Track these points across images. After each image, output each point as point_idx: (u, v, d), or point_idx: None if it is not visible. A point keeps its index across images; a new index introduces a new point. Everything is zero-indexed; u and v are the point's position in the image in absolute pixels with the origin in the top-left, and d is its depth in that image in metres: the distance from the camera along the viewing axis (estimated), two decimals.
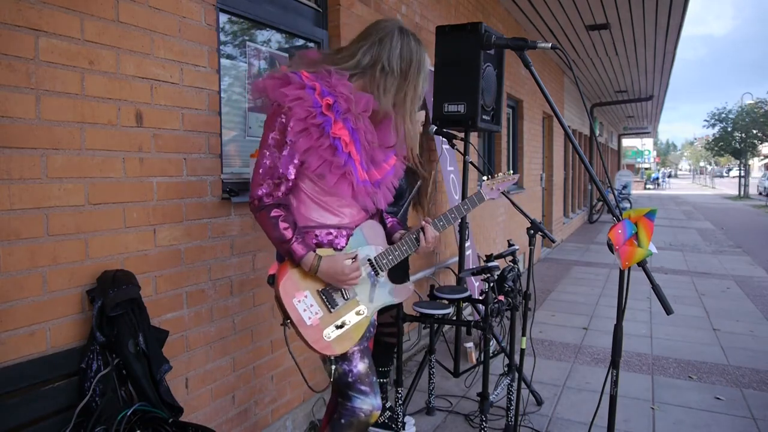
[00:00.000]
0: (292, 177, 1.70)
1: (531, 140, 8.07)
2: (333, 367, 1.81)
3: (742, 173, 28.84)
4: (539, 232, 2.78)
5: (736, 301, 6.12)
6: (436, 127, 3.28)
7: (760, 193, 21.94)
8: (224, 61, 2.50)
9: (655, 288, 1.63)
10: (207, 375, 2.30)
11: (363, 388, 1.81)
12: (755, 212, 19.11)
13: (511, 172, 2.17)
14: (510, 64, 5.30)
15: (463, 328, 3.42)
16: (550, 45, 1.72)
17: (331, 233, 1.79)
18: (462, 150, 3.46)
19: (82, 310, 1.78)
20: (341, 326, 1.76)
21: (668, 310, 1.62)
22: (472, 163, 3.50)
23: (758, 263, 8.58)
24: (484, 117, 3.45)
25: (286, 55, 2.89)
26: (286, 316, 1.72)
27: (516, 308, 2.98)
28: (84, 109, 1.77)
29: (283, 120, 1.65)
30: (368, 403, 1.81)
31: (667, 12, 6.72)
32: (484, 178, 2.13)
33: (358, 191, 1.76)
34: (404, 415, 2.96)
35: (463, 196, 3.69)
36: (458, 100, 3.37)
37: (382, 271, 1.86)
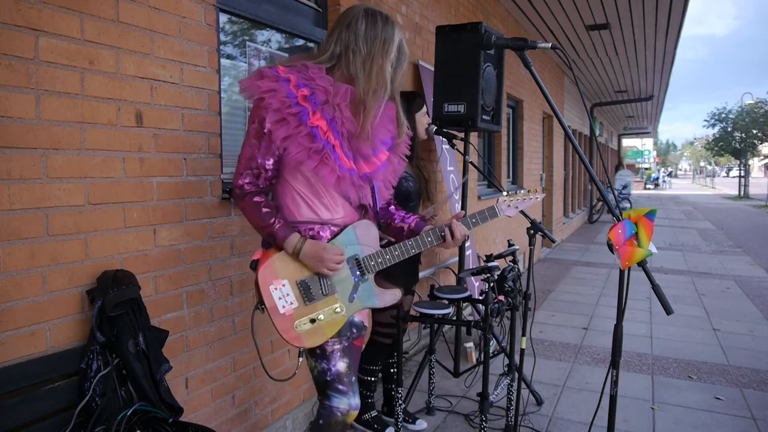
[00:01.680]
0: (270, 167, 1.73)
1: (531, 140, 8.07)
2: (313, 363, 1.85)
3: (742, 173, 28.84)
4: (539, 232, 2.78)
5: (736, 301, 6.12)
6: (436, 127, 3.28)
7: None
8: (224, 61, 2.50)
9: (655, 288, 1.63)
10: (207, 375, 2.30)
11: (341, 387, 1.83)
12: (755, 212, 19.10)
13: (536, 189, 1.99)
14: (510, 64, 5.30)
15: (463, 328, 3.42)
16: (550, 45, 1.72)
17: (313, 228, 1.80)
18: (462, 150, 3.46)
19: (82, 310, 1.78)
20: (314, 320, 1.77)
21: (668, 310, 1.62)
22: (472, 163, 3.50)
23: (758, 263, 8.58)
24: (484, 117, 3.45)
25: (286, 55, 2.89)
26: (260, 301, 1.74)
27: (516, 308, 2.98)
28: (84, 109, 1.77)
29: (260, 112, 1.68)
30: (345, 403, 1.83)
31: (667, 12, 6.72)
32: (504, 193, 1.98)
33: (343, 178, 1.75)
34: (403, 415, 2.96)
35: (463, 196, 3.69)
36: (458, 100, 3.37)
37: (369, 272, 1.85)
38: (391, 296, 1.92)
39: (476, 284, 4.42)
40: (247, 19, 2.64)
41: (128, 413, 1.67)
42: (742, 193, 27.41)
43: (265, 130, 1.68)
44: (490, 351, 2.86)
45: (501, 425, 3.02)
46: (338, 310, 1.80)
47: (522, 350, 2.88)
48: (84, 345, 1.75)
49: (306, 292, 1.77)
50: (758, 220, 16.39)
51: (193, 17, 2.18)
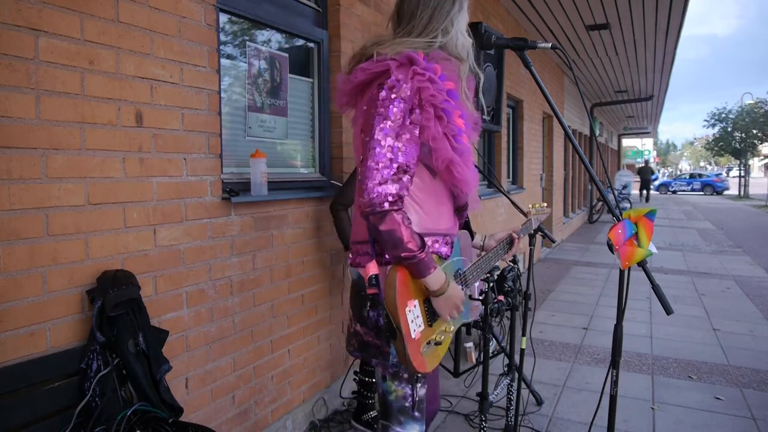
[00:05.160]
0: (414, 172, 1.49)
1: (531, 140, 8.07)
2: (393, 386, 1.63)
3: (742, 173, 28.84)
4: (539, 232, 2.77)
5: (736, 301, 6.12)
6: None
7: None
8: (224, 61, 2.50)
9: (655, 288, 1.63)
10: (207, 375, 2.30)
11: (417, 414, 1.64)
12: (755, 212, 19.10)
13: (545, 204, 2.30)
14: (510, 64, 5.30)
15: (463, 328, 3.42)
16: (550, 45, 1.72)
17: (437, 241, 1.59)
18: None
19: (82, 310, 1.78)
20: (438, 342, 1.57)
21: (668, 310, 1.62)
22: None
23: (758, 263, 8.57)
24: (484, 117, 3.45)
25: (286, 55, 2.89)
26: (397, 327, 1.46)
27: (516, 308, 2.98)
28: (84, 109, 1.77)
29: (407, 101, 1.44)
30: (418, 431, 1.66)
31: (667, 12, 6.72)
32: (531, 206, 2.25)
33: (474, 186, 1.61)
34: None
35: None
36: None
37: (467, 286, 1.71)
38: (477, 310, 1.84)
39: (476, 284, 4.42)
40: (247, 19, 2.64)
41: (128, 413, 1.67)
42: (742, 193, 27.41)
43: (412, 124, 1.45)
44: (490, 351, 2.86)
45: (501, 425, 3.02)
46: (449, 328, 1.62)
47: (522, 350, 2.88)
48: (84, 345, 1.75)
49: (430, 311, 1.57)
50: (758, 220, 16.38)
51: (193, 17, 2.18)
